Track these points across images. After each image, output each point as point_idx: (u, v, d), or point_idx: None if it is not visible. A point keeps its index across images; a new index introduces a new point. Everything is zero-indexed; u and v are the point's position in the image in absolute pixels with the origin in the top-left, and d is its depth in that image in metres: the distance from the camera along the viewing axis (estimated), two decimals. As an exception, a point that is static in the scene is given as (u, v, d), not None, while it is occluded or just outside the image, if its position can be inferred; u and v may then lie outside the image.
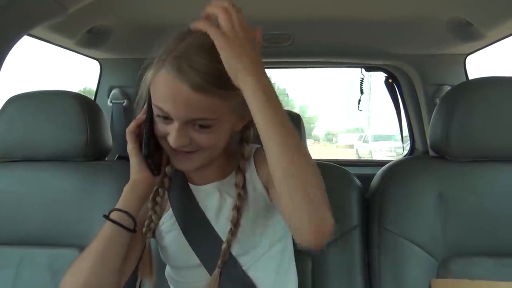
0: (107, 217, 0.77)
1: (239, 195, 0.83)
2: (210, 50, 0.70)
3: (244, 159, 0.85)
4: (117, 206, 0.78)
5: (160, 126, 0.76)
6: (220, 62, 0.69)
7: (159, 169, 0.82)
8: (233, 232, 0.81)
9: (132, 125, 0.81)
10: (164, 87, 0.72)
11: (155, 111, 0.76)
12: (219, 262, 0.81)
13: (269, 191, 0.84)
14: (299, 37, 1.58)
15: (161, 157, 0.83)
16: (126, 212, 0.77)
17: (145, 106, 0.80)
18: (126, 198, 0.79)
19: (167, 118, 0.74)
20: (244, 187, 0.84)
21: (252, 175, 0.85)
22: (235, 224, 0.82)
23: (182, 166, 0.81)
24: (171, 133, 0.74)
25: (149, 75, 0.76)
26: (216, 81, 0.70)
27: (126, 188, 0.80)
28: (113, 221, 0.76)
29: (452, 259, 0.95)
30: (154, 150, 0.80)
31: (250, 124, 0.83)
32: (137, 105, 0.85)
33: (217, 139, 0.77)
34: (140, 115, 0.81)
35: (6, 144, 1.08)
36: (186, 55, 0.71)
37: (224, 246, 0.81)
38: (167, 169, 0.87)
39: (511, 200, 0.97)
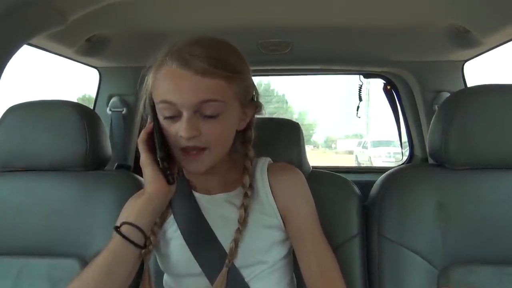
0: (117, 230, 0.75)
1: (245, 194, 0.84)
2: (207, 43, 0.76)
3: (248, 159, 0.87)
4: (129, 220, 0.76)
5: (169, 128, 0.77)
6: (218, 50, 0.76)
7: (173, 177, 0.81)
8: (240, 231, 0.82)
9: (143, 135, 0.80)
10: (168, 80, 0.75)
11: (161, 111, 0.77)
12: (226, 261, 0.81)
13: (285, 224, 0.87)
14: (298, 44, 1.58)
15: (174, 167, 0.82)
16: (137, 227, 0.75)
17: (151, 112, 0.80)
18: (139, 211, 0.76)
19: (174, 117, 0.76)
20: (251, 186, 0.85)
21: (267, 193, 0.86)
22: (242, 223, 0.82)
23: (192, 168, 0.81)
24: (181, 126, 0.75)
25: (150, 78, 0.79)
26: (219, 64, 0.74)
27: (140, 202, 0.77)
28: (123, 236, 0.74)
29: (453, 268, 0.94)
30: (166, 157, 0.78)
31: (251, 124, 0.87)
32: (141, 114, 0.86)
33: (224, 130, 0.79)
34: (148, 124, 0.81)
35: (6, 153, 1.08)
36: (186, 48, 0.75)
37: (231, 245, 0.81)
38: None
39: (511, 208, 0.96)
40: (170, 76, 0.75)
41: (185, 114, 0.74)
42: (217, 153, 0.80)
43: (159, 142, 0.77)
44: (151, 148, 0.79)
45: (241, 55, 0.81)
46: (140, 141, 0.80)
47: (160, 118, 0.78)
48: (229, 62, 0.77)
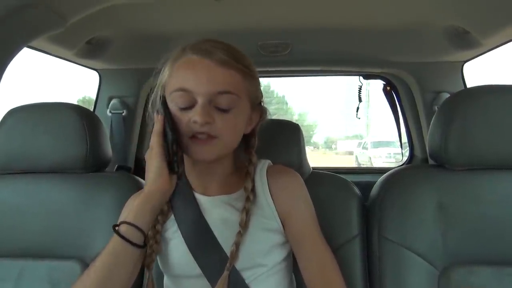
0: (115, 230, 0.75)
1: (247, 198, 0.84)
2: (222, 42, 0.81)
3: (252, 165, 0.88)
4: (128, 219, 0.76)
5: (181, 116, 0.78)
6: (233, 47, 0.81)
7: (178, 165, 0.79)
8: (241, 234, 0.82)
9: (158, 127, 0.79)
10: (186, 68, 0.78)
11: (175, 100, 0.78)
12: (228, 264, 0.80)
13: (285, 227, 0.87)
14: (297, 46, 1.59)
15: (179, 151, 0.80)
16: (136, 227, 0.75)
17: (160, 105, 0.81)
18: (138, 210, 0.76)
19: (186, 108, 0.78)
20: (253, 191, 0.86)
21: (266, 196, 0.87)
22: (244, 226, 0.82)
23: (200, 155, 0.81)
24: (196, 111, 0.76)
25: (166, 70, 0.82)
26: (238, 58, 0.79)
27: (139, 200, 0.77)
28: (121, 236, 0.74)
29: (453, 269, 0.94)
30: (176, 141, 0.78)
31: (255, 130, 0.88)
32: (152, 106, 0.86)
33: (235, 124, 0.81)
34: (159, 117, 0.80)
35: (6, 156, 1.08)
36: (205, 42, 0.80)
37: (232, 248, 0.81)
38: None
39: (511, 208, 0.96)
40: (189, 64, 0.78)
41: (200, 102, 0.76)
42: (225, 145, 0.81)
43: (170, 127, 0.77)
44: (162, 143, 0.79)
45: (249, 59, 0.86)
46: (155, 133, 0.79)
47: (173, 108, 0.79)
48: (243, 59, 0.82)
